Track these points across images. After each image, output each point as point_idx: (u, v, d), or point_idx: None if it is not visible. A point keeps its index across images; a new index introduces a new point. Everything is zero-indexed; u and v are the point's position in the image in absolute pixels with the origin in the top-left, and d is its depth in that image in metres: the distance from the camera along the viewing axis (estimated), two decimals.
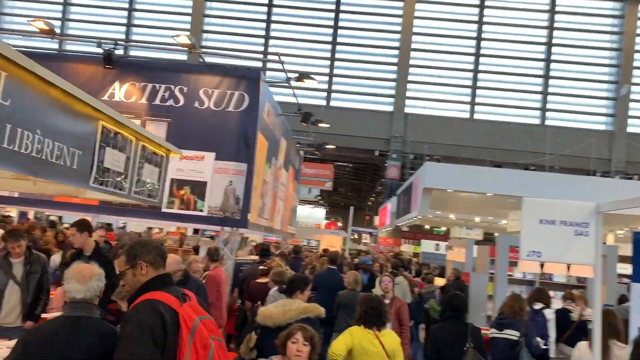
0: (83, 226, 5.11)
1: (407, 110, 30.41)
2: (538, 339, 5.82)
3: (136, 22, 31.74)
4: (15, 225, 9.77)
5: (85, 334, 2.51)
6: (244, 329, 6.59)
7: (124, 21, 31.42)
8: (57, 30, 8.24)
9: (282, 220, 12.55)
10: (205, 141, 8.13)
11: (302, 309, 4.35)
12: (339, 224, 39.01)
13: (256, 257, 9.94)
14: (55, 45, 28.74)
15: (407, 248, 28.33)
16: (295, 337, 3.51)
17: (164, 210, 8.08)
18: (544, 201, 4.00)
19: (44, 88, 2.80)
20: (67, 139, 3.12)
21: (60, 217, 18.13)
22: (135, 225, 16.40)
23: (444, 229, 31.46)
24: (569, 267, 8.36)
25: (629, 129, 29.58)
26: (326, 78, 30.70)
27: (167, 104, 8.24)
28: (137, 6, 31.75)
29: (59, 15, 31.28)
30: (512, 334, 5.91)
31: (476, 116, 30.71)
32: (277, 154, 10.69)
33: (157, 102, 8.26)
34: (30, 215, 15.10)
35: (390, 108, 30.63)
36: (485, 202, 19.34)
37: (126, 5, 31.44)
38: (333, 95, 30.99)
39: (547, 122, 30.35)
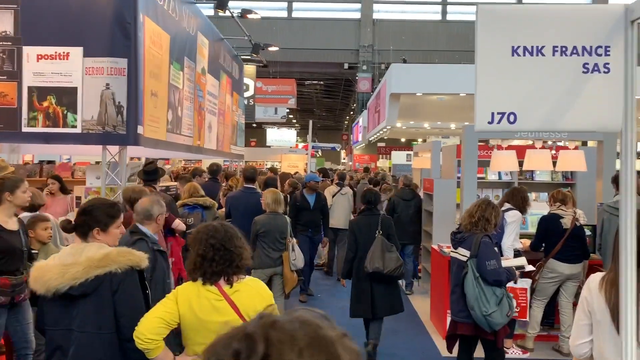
0: None
1: (375, 16, 27.65)
2: (493, 261, 4.01)
3: None
4: None
5: None
6: None
7: None
8: None
9: (220, 140, 10.47)
10: (69, 32, 5.91)
11: (98, 260, 2.38)
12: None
13: (174, 183, 8.02)
14: None
15: (382, 163, 26.60)
16: None
17: (25, 130, 6.01)
18: (522, 8, 1.96)
19: None
20: None
21: None
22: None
23: (421, 140, 29.55)
24: (554, 163, 6.50)
25: None
26: None
27: None
28: None
29: None
30: (462, 254, 4.14)
31: (449, 17, 28.08)
32: (194, 55, 8.45)
33: None
34: None
35: (357, 15, 27.82)
36: (460, 104, 17.22)
37: None
38: (295, 5, 27.99)
39: None
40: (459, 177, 7.33)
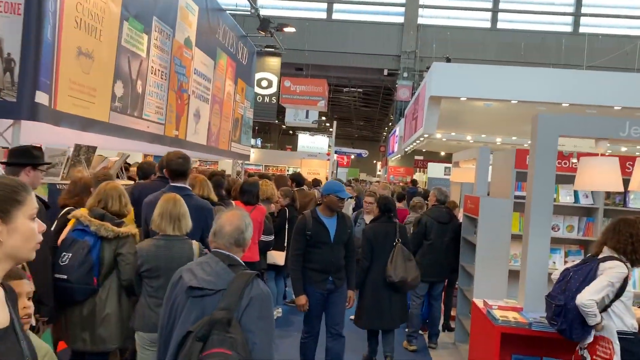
0: None
1: (420, 21, 25.34)
2: None
3: None
4: None
5: None
6: None
7: None
8: None
9: (213, 133, 8.38)
10: None
11: None
12: (352, 157, 34.75)
13: (129, 182, 5.99)
14: None
15: (419, 177, 24.11)
16: None
17: None
18: None
19: None
20: None
21: None
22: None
23: None
24: None
25: None
26: None
27: None
28: None
29: None
30: None
31: (499, 25, 25.49)
32: (172, 18, 6.39)
33: None
34: None
35: (400, 19, 25.58)
36: (511, 114, 14.69)
37: None
38: (335, 6, 25.97)
39: (582, 29, 24.98)
40: (517, 197, 4.95)
